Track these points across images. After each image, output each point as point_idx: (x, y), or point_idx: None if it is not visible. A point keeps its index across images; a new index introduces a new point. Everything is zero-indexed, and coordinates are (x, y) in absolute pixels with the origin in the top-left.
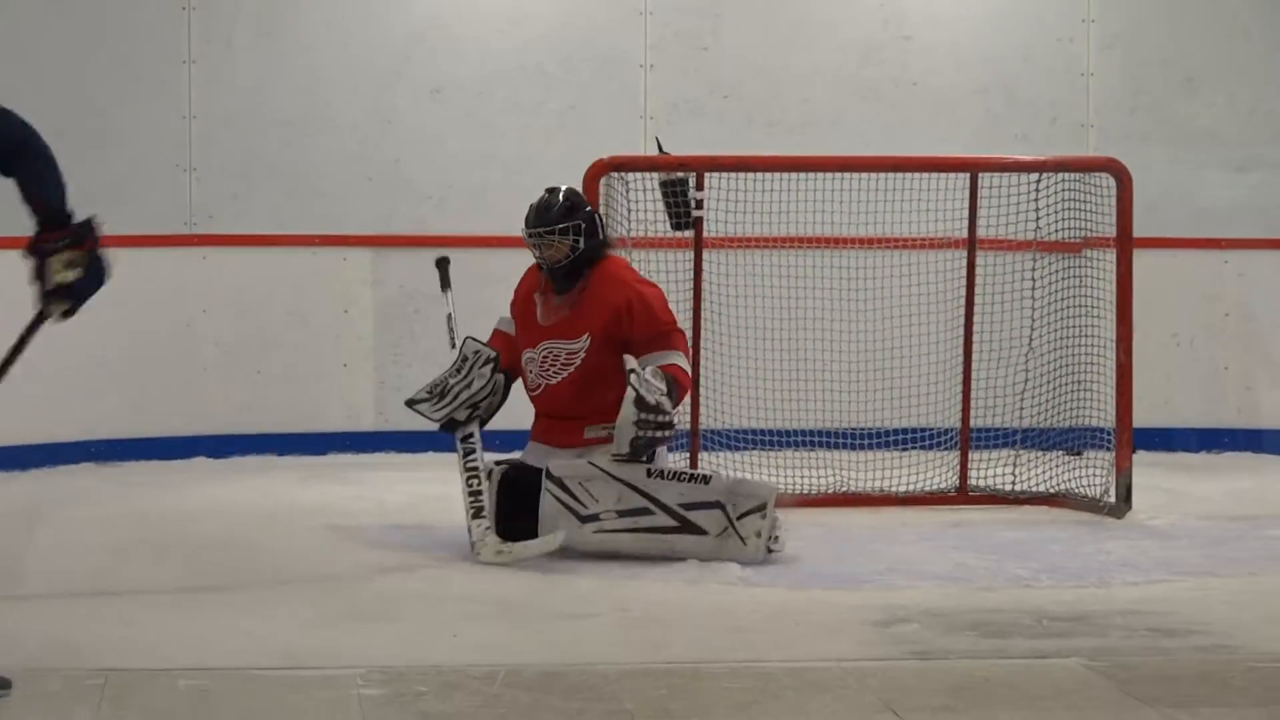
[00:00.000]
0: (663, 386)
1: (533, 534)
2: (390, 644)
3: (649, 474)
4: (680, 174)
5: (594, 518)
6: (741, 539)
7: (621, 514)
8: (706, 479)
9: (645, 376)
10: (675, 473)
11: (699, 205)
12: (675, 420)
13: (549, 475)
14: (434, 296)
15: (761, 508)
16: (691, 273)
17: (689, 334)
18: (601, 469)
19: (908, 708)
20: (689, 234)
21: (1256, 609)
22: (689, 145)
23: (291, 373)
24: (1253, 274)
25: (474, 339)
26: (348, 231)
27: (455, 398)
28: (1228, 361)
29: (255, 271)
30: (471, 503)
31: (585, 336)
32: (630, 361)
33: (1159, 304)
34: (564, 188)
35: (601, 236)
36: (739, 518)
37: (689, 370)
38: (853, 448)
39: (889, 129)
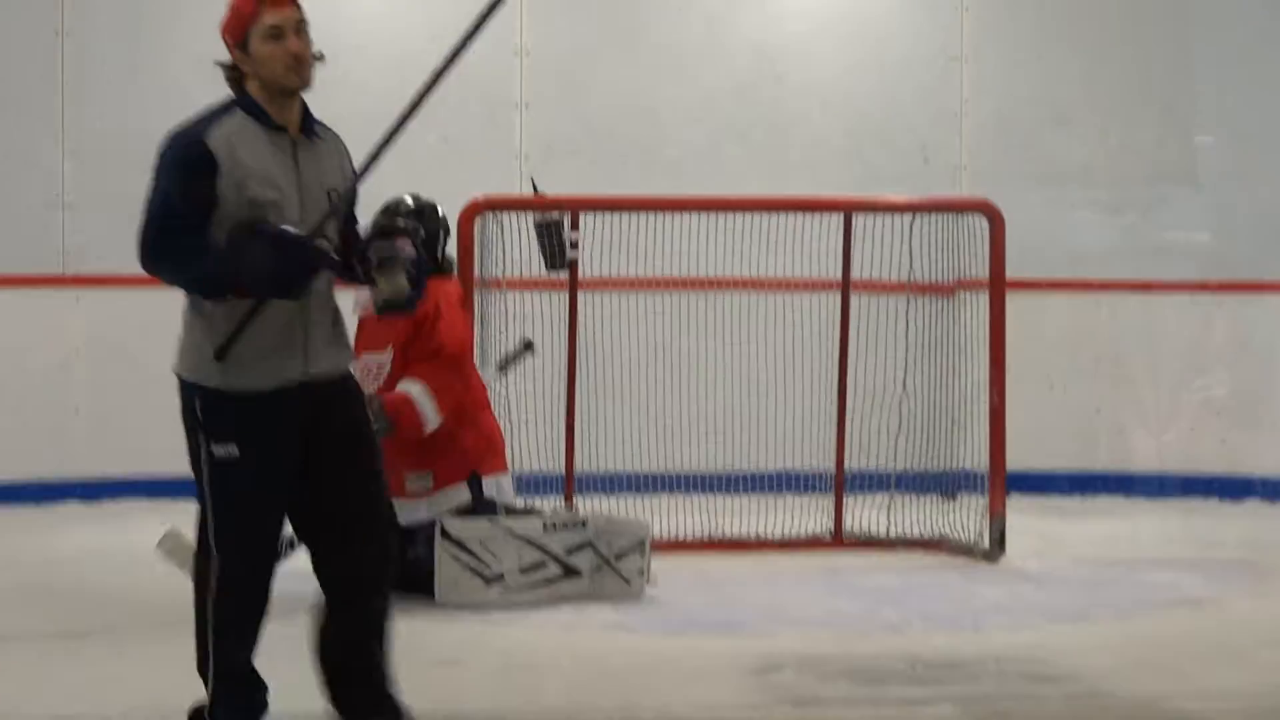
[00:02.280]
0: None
1: (415, 587)
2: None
3: (544, 528)
4: (555, 214)
5: (499, 578)
6: (624, 579)
7: (523, 571)
8: (583, 522)
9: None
10: (559, 522)
11: (574, 246)
12: None
13: (445, 535)
14: None
15: (640, 545)
16: (566, 314)
17: (563, 375)
18: (502, 527)
19: None
20: (564, 275)
21: (1129, 653)
22: (564, 185)
23: (166, 416)
24: (1125, 316)
25: None
26: None
27: None
28: (1100, 405)
29: (129, 312)
30: None
31: (389, 348)
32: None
33: (1032, 346)
34: (429, 199)
35: (440, 258)
36: (617, 558)
37: (423, 413)
38: (727, 491)
39: (764, 169)
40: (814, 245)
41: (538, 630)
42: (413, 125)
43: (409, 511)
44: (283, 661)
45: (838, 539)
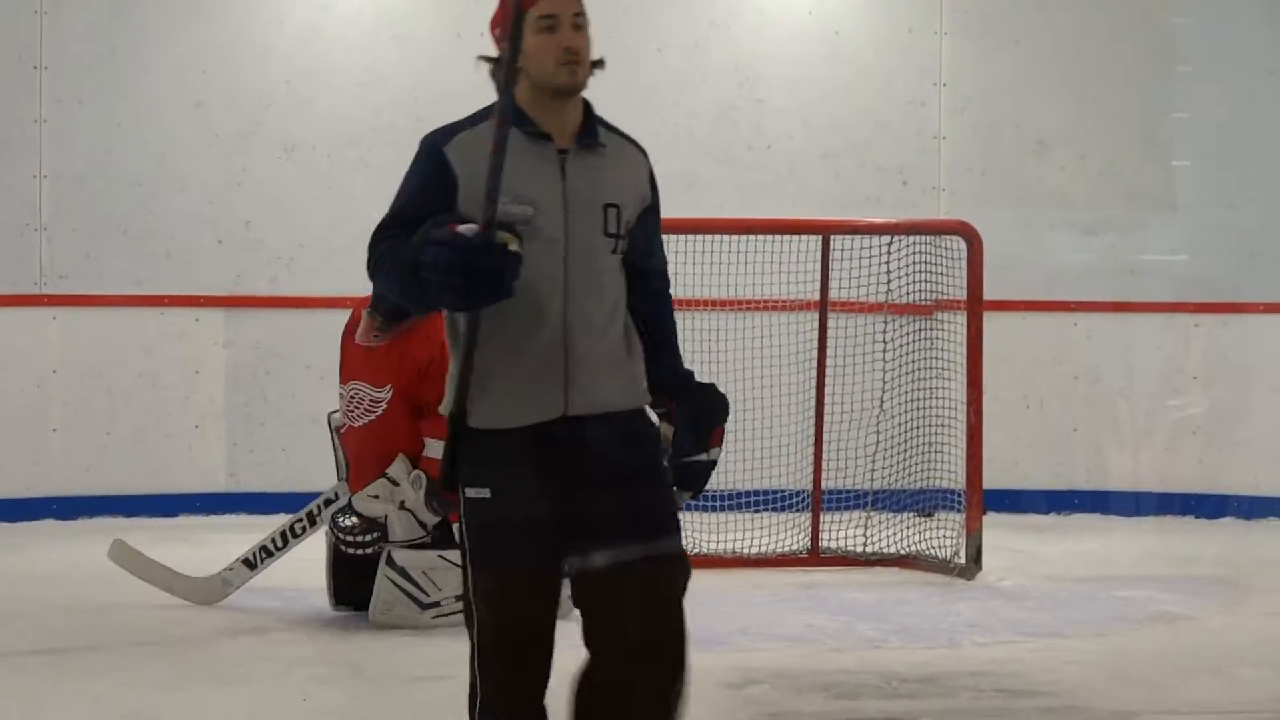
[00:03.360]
0: (392, 513)
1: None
2: (239, 708)
3: None
4: None
5: (434, 605)
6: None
7: (459, 598)
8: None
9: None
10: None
11: None
12: (398, 531)
13: (391, 562)
14: (285, 356)
15: None
16: None
17: None
18: (447, 559)
19: None
20: None
21: (1103, 669)
22: None
23: (142, 434)
24: (1101, 337)
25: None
26: (199, 292)
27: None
28: (1076, 424)
29: (106, 332)
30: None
31: (388, 388)
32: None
33: (1009, 366)
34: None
35: None
36: None
37: None
38: (704, 509)
39: (742, 191)
40: (793, 266)
41: None
42: (390, 149)
43: (369, 500)
44: (259, 676)
45: (814, 556)
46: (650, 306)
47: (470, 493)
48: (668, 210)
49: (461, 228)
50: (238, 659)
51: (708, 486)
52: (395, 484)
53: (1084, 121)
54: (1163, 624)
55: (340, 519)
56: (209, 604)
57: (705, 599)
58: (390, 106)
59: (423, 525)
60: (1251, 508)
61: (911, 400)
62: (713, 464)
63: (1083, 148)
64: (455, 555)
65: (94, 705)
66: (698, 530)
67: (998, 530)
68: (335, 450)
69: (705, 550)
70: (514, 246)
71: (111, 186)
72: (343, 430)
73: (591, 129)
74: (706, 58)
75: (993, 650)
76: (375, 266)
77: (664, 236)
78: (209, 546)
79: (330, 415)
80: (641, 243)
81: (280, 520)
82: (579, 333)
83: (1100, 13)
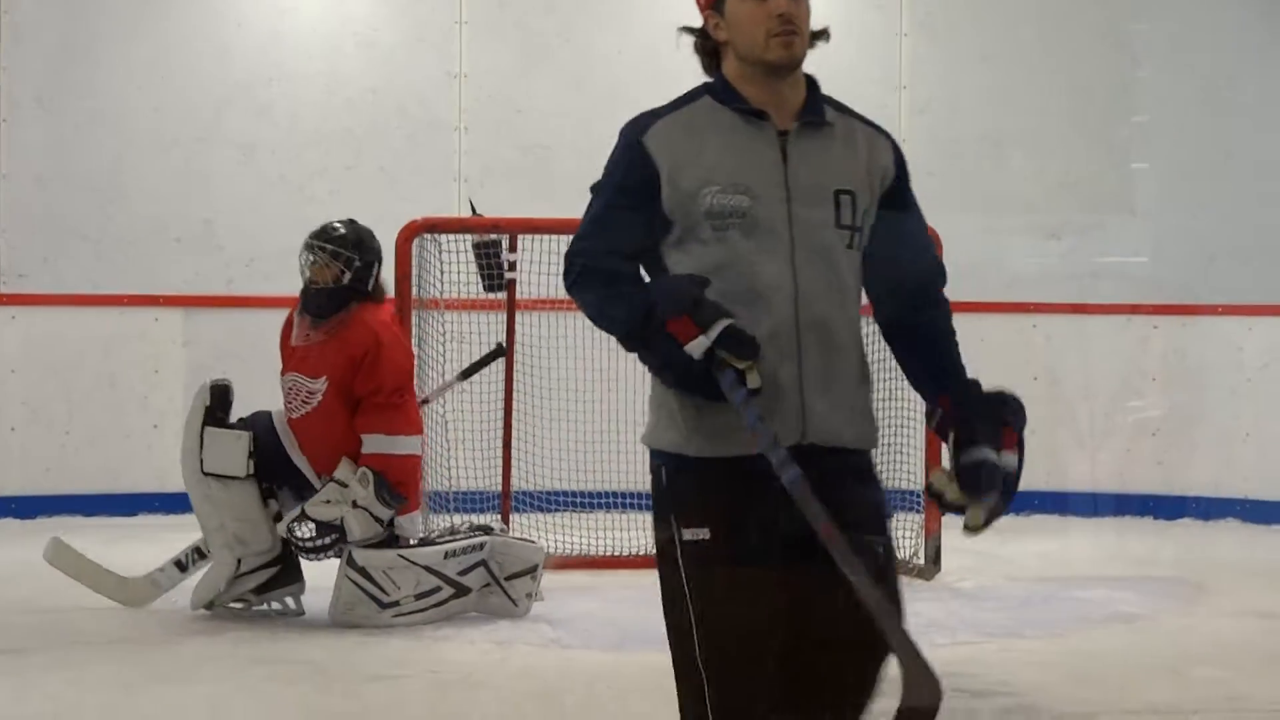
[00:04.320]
0: (349, 513)
1: None
2: (197, 707)
3: (445, 555)
4: (493, 235)
5: (394, 604)
6: (512, 600)
7: (418, 597)
8: (486, 531)
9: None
10: (459, 549)
11: (512, 267)
12: (355, 530)
13: (351, 563)
14: (244, 356)
15: (532, 569)
16: (504, 335)
17: (502, 396)
18: (406, 558)
19: None
20: (502, 296)
21: (1061, 669)
22: (502, 207)
23: (101, 433)
24: (1060, 339)
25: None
26: (158, 292)
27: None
28: (1034, 425)
29: (65, 332)
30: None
31: (323, 379)
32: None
33: (969, 368)
34: (365, 227)
35: (373, 286)
36: (507, 578)
37: (405, 451)
38: None
39: None
40: None
41: (473, 646)
42: (351, 148)
43: (322, 505)
44: (216, 675)
45: None
46: (918, 313)
47: (687, 534)
48: None
49: (690, 346)
50: (196, 659)
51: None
52: (344, 485)
53: (1044, 125)
54: (1121, 624)
55: (296, 528)
56: (138, 605)
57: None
58: (349, 109)
59: (379, 520)
60: (1209, 509)
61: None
62: (999, 469)
63: (1043, 151)
64: (415, 554)
65: (53, 705)
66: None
67: (956, 531)
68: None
69: None
70: (751, 379)
71: (70, 187)
72: (285, 420)
73: (816, 106)
74: (663, 57)
75: (951, 650)
76: (577, 283)
77: None
78: (168, 545)
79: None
80: (892, 236)
81: None
82: (814, 345)
83: (1060, 17)
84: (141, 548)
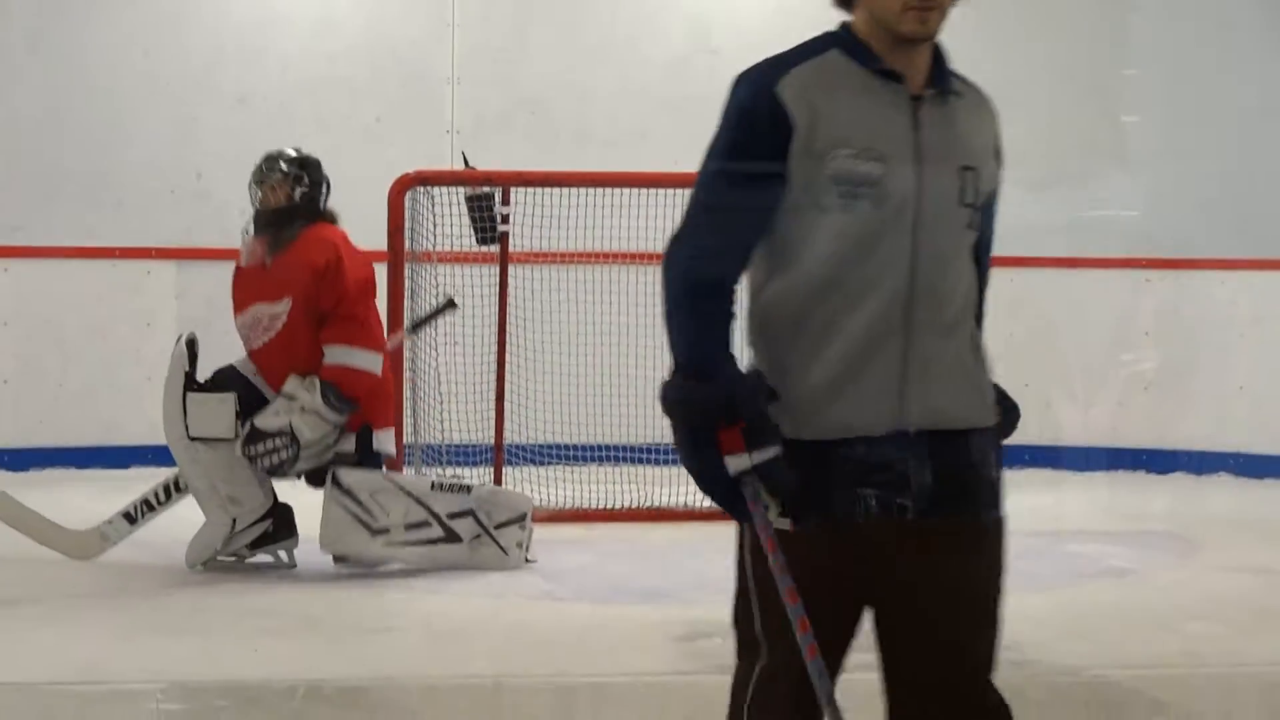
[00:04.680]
0: (295, 417)
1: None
2: (190, 658)
3: (431, 486)
4: (486, 189)
5: (384, 531)
6: (502, 549)
7: (408, 528)
8: (468, 488)
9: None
10: (445, 484)
11: (505, 220)
12: (306, 433)
13: (336, 483)
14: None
15: (521, 518)
16: (497, 288)
17: (494, 349)
18: (393, 480)
19: None
20: (494, 249)
21: (1055, 625)
22: (495, 160)
23: (93, 386)
24: (1053, 292)
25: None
26: (150, 244)
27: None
28: (1028, 379)
29: (57, 284)
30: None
31: (286, 300)
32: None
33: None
34: (310, 154)
35: (323, 207)
36: (496, 527)
37: (363, 366)
38: (657, 462)
39: (695, 144)
40: None
41: (465, 598)
42: (344, 100)
43: (270, 416)
44: (209, 626)
45: None
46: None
47: (777, 521)
48: (618, 163)
49: (730, 459)
50: (189, 610)
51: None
52: (292, 398)
53: (1034, 76)
54: (1114, 579)
55: (250, 448)
56: (86, 559)
57: (656, 552)
58: (343, 56)
59: (328, 422)
60: (1202, 463)
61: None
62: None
63: (1033, 102)
64: (400, 479)
65: (44, 655)
66: (648, 484)
67: None
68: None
69: (657, 503)
70: (776, 519)
71: (61, 137)
72: (248, 355)
73: (944, 73)
74: (659, 9)
75: None
76: (671, 285)
77: (615, 190)
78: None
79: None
80: (989, 220)
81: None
82: (923, 326)
83: None
84: (132, 500)
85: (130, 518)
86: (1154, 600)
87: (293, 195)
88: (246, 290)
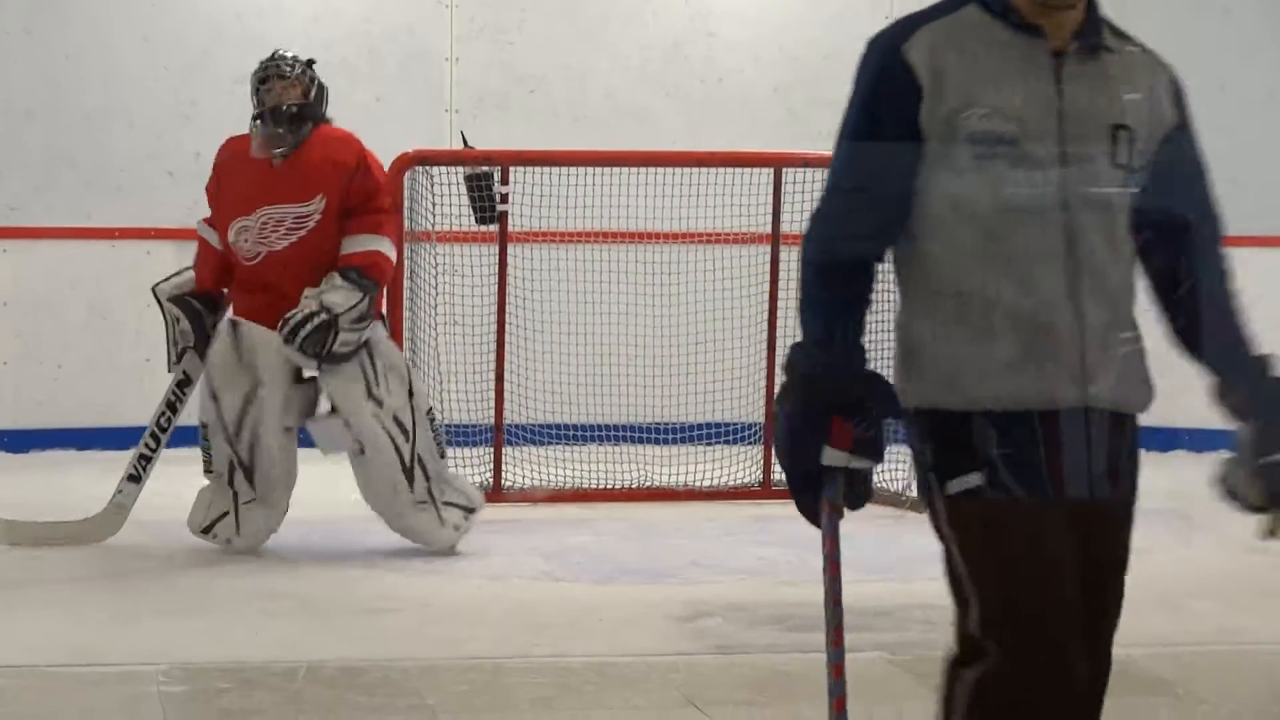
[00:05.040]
0: (325, 295)
1: None
2: (191, 640)
3: (432, 421)
4: (485, 168)
5: (379, 402)
6: (440, 519)
7: (395, 418)
8: (443, 453)
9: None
10: (436, 437)
11: (504, 199)
12: (358, 307)
13: (373, 344)
14: None
15: (470, 510)
16: (496, 267)
17: (493, 329)
18: (407, 380)
19: (709, 701)
20: (494, 228)
21: None
22: (494, 139)
23: (93, 367)
24: None
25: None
26: (150, 225)
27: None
28: None
29: (57, 265)
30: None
31: (319, 198)
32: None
33: None
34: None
35: (326, 108)
36: (445, 502)
37: (387, 252)
38: (657, 442)
39: (694, 124)
40: (744, 199)
41: (464, 579)
42: (343, 80)
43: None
44: (210, 609)
45: (766, 489)
46: (1194, 273)
47: (953, 485)
48: (617, 143)
49: (829, 451)
50: (188, 593)
51: None
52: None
53: None
54: None
55: (291, 337)
56: (113, 534)
57: (656, 532)
58: (342, 40)
59: (357, 293)
60: (1203, 441)
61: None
62: None
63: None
64: (419, 388)
65: (45, 637)
66: (648, 463)
67: None
68: (168, 325)
69: (657, 483)
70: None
71: (60, 119)
72: (255, 260)
73: (1096, 27)
74: None
75: (944, 584)
76: (808, 268)
77: (614, 169)
78: (159, 479)
79: (157, 286)
80: (1167, 181)
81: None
82: (1091, 296)
83: None
84: None
85: (134, 478)
86: (1156, 579)
87: (308, 92)
88: (253, 192)
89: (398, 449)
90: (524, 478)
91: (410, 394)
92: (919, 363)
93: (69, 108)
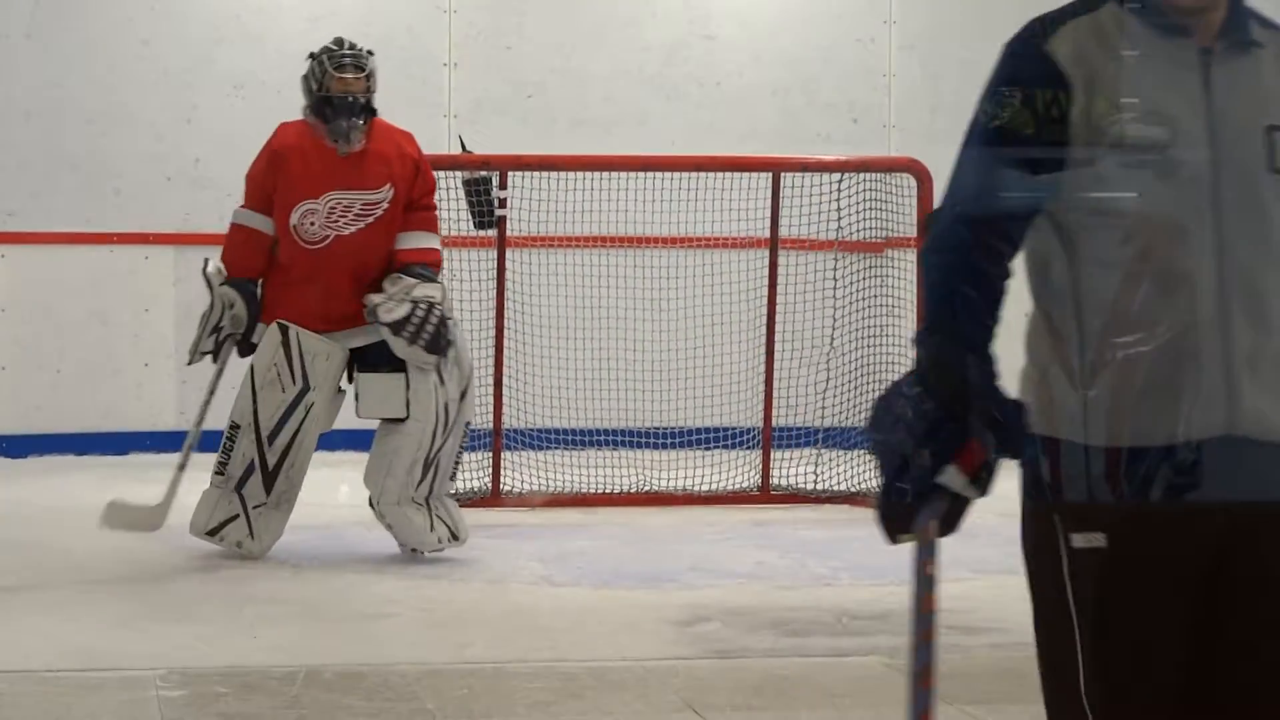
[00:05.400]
0: (416, 290)
1: None
2: (190, 645)
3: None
4: (484, 173)
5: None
6: (431, 524)
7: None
8: (454, 476)
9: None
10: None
11: (502, 204)
12: (437, 295)
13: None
14: None
15: (454, 537)
16: (495, 272)
17: (492, 333)
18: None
19: (708, 706)
20: (492, 233)
21: None
22: (492, 144)
23: (91, 372)
24: None
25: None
26: (149, 230)
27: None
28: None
29: (55, 269)
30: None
31: (388, 187)
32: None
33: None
34: None
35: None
36: (437, 516)
37: (440, 250)
38: (655, 446)
39: (692, 128)
40: (743, 203)
41: (464, 584)
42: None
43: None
44: (209, 613)
45: (765, 493)
46: None
47: (1077, 541)
48: (615, 147)
49: (950, 470)
50: (188, 596)
51: None
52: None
53: None
54: None
55: (403, 332)
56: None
57: (655, 537)
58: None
59: (438, 284)
60: None
61: (862, 337)
62: None
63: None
64: (468, 403)
65: (44, 642)
66: (648, 468)
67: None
68: (212, 311)
69: (655, 488)
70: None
71: (59, 123)
72: (321, 244)
73: (1241, 20)
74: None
75: (943, 587)
76: (929, 251)
77: (612, 174)
78: (159, 484)
79: (206, 270)
80: None
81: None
82: (1243, 316)
83: None
84: (132, 486)
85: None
86: None
87: (370, 87)
88: (321, 177)
89: (434, 434)
90: (523, 482)
91: (463, 395)
92: (1048, 386)
93: (68, 112)
